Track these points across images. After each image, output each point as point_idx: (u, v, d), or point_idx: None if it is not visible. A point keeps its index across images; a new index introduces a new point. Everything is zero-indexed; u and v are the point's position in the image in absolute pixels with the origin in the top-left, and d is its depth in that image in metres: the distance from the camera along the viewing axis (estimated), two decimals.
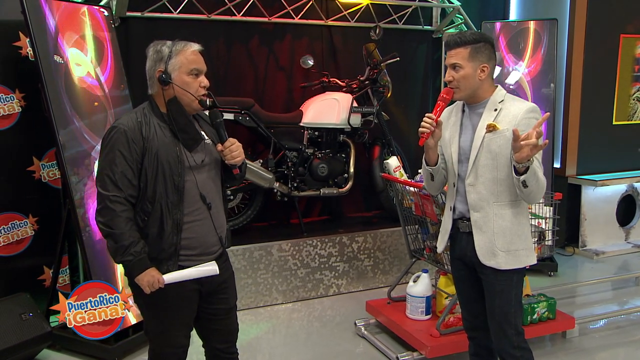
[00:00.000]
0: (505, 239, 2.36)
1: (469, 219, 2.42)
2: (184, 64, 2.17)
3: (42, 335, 3.35)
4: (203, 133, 2.29)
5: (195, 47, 2.22)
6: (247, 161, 4.00)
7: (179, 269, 2.19)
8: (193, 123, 2.27)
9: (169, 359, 2.31)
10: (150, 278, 2.11)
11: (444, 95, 2.36)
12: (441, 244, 2.59)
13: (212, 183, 2.29)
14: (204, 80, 2.22)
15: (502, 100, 2.36)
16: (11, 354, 3.19)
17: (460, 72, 2.33)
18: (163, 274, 2.16)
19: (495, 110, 2.35)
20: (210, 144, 2.29)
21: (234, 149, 2.22)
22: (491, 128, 2.31)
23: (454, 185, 2.46)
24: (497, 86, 2.42)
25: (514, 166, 2.20)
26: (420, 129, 2.32)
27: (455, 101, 2.48)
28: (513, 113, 2.31)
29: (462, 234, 2.48)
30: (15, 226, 3.92)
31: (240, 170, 2.31)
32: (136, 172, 2.12)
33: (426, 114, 2.32)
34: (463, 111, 2.47)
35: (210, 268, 2.17)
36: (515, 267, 2.38)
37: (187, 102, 2.20)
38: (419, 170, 3.69)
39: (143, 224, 2.15)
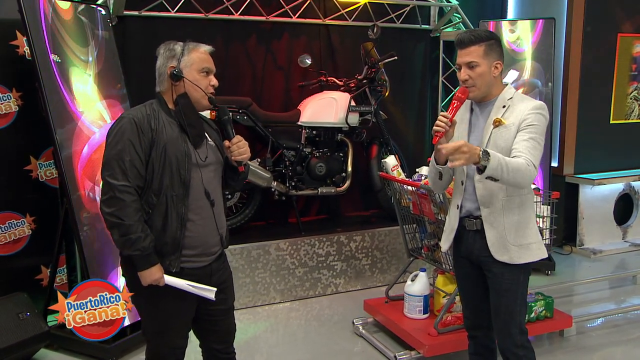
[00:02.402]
0: (517, 233, 2.37)
1: (476, 217, 2.42)
2: (196, 61, 2.22)
3: (40, 334, 3.35)
4: (206, 134, 2.32)
5: (207, 47, 2.28)
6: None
7: (180, 271, 2.20)
8: (201, 120, 2.31)
9: (167, 359, 2.31)
10: (152, 276, 2.13)
11: (460, 95, 2.34)
12: (446, 242, 2.58)
13: (215, 182, 2.31)
14: (213, 80, 2.27)
15: (511, 98, 2.37)
16: (8, 353, 3.18)
17: (477, 70, 2.32)
18: (165, 269, 2.17)
19: (504, 107, 2.35)
20: (213, 145, 2.32)
21: (242, 146, 2.26)
22: (497, 123, 2.31)
23: (462, 184, 2.46)
24: (506, 84, 2.43)
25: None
26: (435, 128, 2.29)
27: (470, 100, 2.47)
28: (520, 109, 2.32)
29: (468, 232, 2.48)
30: (13, 225, 3.91)
31: (245, 167, 2.33)
32: (144, 163, 2.13)
33: (441, 113, 2.30)
34: (472, 110, 2.47)
35: (209, 291, 2.22)
36: (528, 260, 2.38)
37: (197, 99, 2.23)
38: (417, 169, 3.70)
39: (147, 217, 2.15)
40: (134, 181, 2.10)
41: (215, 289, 2.24)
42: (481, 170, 2.16)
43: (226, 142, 2.28)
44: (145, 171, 2.13)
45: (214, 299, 2.23)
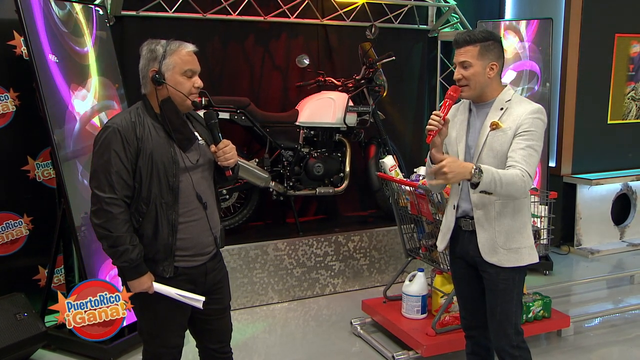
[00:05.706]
0: (507, 236, 2.37)
1: (472, 217, 2.43)
2: (178, 64, 2.15)
3: (37, 335, 3.34)
4: (196, 134, 2.29)
5: (190, 47, 2.20)
6: (243, 160, 4.02)
7: (175, 270, 2.20)
8: (187, 123, 2.26)
9: (164, 359, 2.31)
10: (141, 285, 2.15)
11: (452, 94, 2.34)
12: (442, 242, 2.59)
13: (206, 183, 2.29)
14: (197, 81, 2.21)
15: (510, 100, 2.36)
16: (6, 354, 3.18)
17: (469, 70, 2.33)
18: (158, 275, 2.17)
19: (502, 109, 2.35)
20: (204, 145, 2.29)
21: (228, 151, 2.22)
22: (494, 126, 2.31)
23: (459, 184, 2.46)
24: (505, 85, 2.42)
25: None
26: (428, 127, 2.30)
27: (461, 99, 2.47)
28: (517, 113, 2.31)
29: (464, 233, 2.48)
30: (10, 226, 3.90)
31: (233, 172, 2.31)
32: (131, 172, 2.11)
33: (433, 112, 2.31)
34: (470, 110, 2.47)
35: (197, 299, 2.21)
36: (517, 264, 2.38)
37: (180, 102, 2.19)
38: (415, 169, 3.70)
39: (138, 225, 2.15)
40: (121, 192, 2.09)
41: (203, 298, 2.23)
42: (474, 185, 2.16)
43: (212, 147, 2.24)
44: (132, 180, 2.11)
45: (202, 308, 2.23)
